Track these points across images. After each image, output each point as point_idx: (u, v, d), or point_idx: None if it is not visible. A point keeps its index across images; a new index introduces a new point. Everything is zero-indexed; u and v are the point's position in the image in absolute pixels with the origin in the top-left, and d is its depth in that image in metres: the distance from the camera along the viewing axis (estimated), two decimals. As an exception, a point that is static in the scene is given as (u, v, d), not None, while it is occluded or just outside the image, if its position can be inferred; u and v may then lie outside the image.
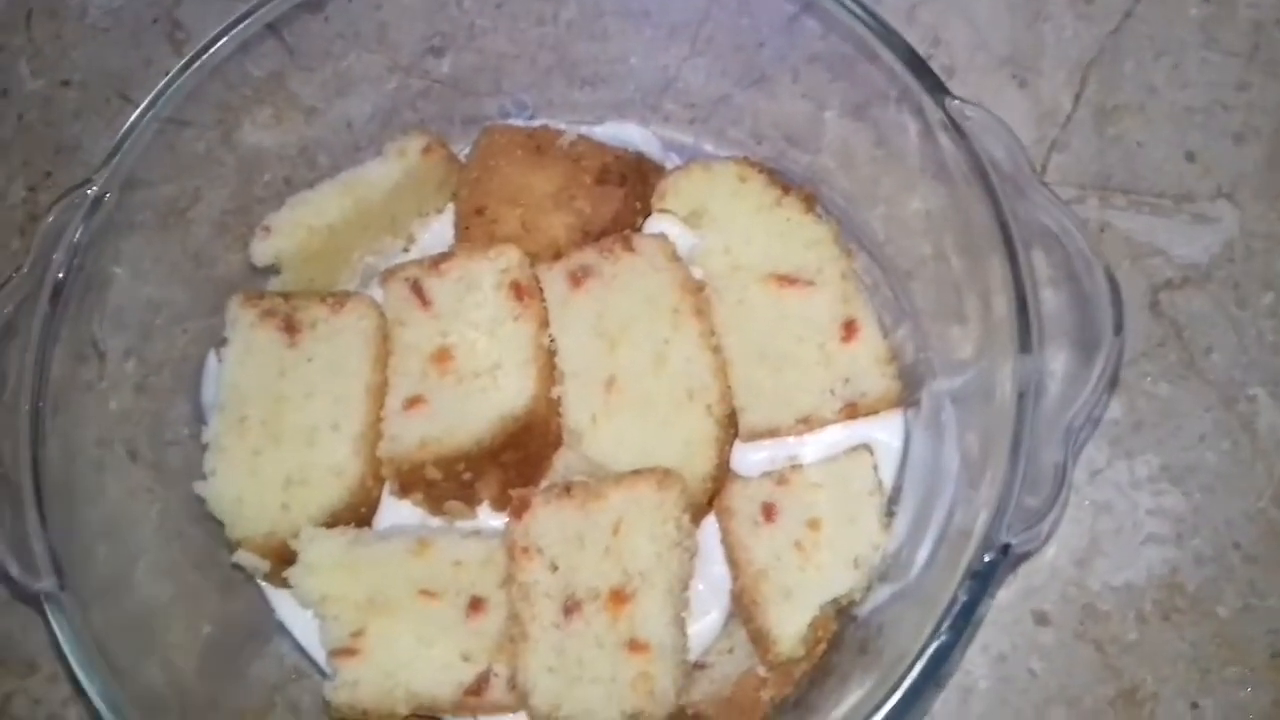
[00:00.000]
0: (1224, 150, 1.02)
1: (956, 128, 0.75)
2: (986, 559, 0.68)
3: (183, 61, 0.94)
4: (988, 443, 0.72)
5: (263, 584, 0.92)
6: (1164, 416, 0.94)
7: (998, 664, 0.91)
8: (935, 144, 0.78)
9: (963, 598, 0.68)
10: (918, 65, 0.78)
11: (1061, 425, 0.70)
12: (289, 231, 0.94)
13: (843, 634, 0.83)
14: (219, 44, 0.93)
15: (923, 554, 0.76)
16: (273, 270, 0.96)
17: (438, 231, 1.01)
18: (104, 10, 1.21)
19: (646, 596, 0.80)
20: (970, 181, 0.75)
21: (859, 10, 0.81)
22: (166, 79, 0.93)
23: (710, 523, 0.88)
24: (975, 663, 0.91)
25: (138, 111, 0.92)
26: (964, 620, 0.68)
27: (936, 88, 0.77)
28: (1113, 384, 0.71)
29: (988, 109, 0.76)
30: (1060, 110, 1.04)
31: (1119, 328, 0.71)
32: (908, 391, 0.89)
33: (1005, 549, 0.68)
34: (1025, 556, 0.69)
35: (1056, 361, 0.73)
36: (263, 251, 0.94)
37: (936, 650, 0.68)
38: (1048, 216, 0.73)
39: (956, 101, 0.76)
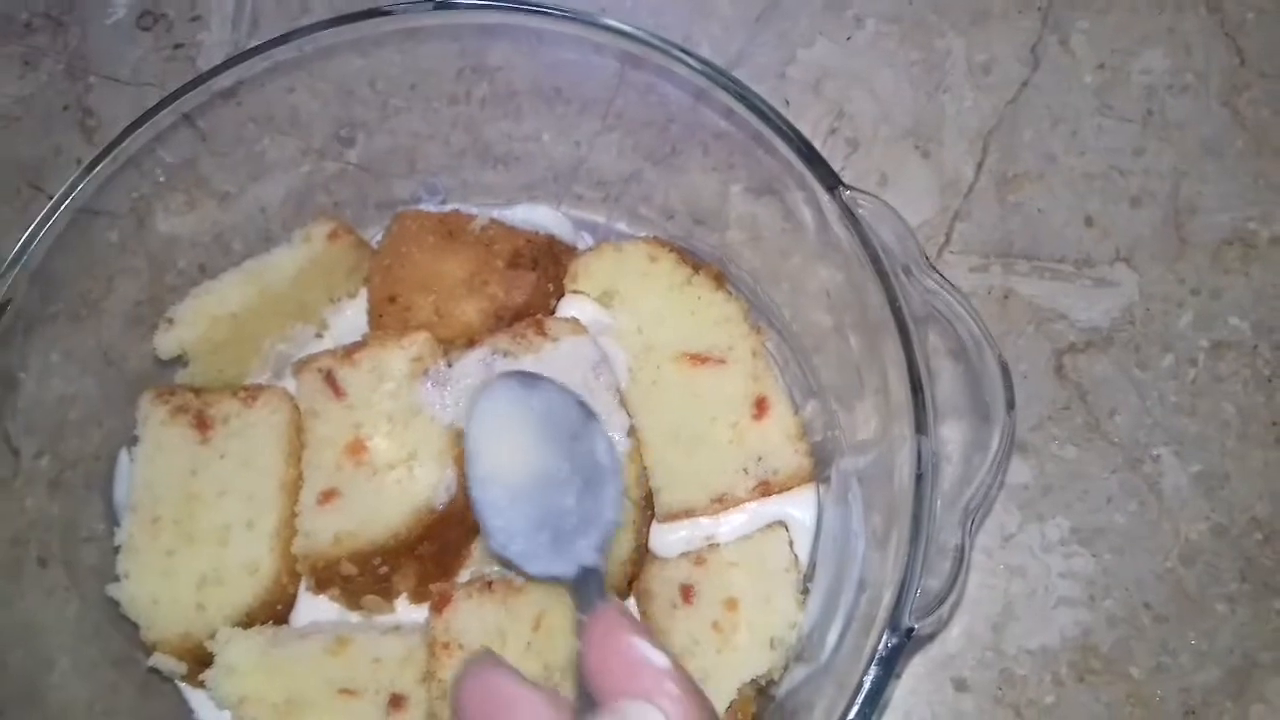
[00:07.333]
0: (1121, 215, 1.05)
1: (850, 216, 0.77)
2: (891, 643, 0.69)
3: (98, 151, 0.92)
4: (890, 524, 0.74)
5: (181, 685, 0.91)
6: (1072, 479, 0.96)
7: (920, 732, 0.92)
8: (830, 229, 0.79)
9: (868, 682, 0.69)
10: (811, 156, 0.79)
11: (959, 507, 0.72)
12: (192, 322, 0.93)
13: (761, 715, 0.83)
14: (135, 134, 0.92)
15: (833, 635, 0.77)
16: (180, 363, 0.95)
17: (351, 318, 1.00)
18: (13, 98, 1.20)
19: (567, 690, 0.80)
20: (864, 265, 0.76)
21: (755, 101, 0.82)
22: (81, 168, 0.91)
23: (631, 605, 0.88)
24: (898, 732, 0.92)
25: (51, 202, 0.90)
26: (871, 704, 0.69)
27: (829, 178, 0.78)
28: (1006, 463, 0.72)
29: (879, 197, 0.78)
30: (963, 179, 1.07)
31: (1011, 406, 0.73)
32: (819, 468, 0.90)
33: (909, 633, 0.69)
34: (930, 638, 0.71)
35: (953, 443, 0.74)
36: (167, 343, 0.93)
37: (847, 733, 0.69)
38: (939, 300, 0.75)
39: (849, 192, 0.78)
